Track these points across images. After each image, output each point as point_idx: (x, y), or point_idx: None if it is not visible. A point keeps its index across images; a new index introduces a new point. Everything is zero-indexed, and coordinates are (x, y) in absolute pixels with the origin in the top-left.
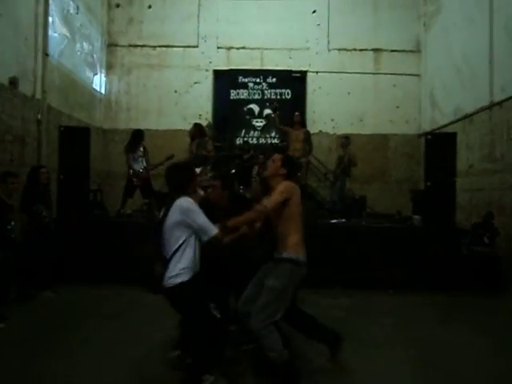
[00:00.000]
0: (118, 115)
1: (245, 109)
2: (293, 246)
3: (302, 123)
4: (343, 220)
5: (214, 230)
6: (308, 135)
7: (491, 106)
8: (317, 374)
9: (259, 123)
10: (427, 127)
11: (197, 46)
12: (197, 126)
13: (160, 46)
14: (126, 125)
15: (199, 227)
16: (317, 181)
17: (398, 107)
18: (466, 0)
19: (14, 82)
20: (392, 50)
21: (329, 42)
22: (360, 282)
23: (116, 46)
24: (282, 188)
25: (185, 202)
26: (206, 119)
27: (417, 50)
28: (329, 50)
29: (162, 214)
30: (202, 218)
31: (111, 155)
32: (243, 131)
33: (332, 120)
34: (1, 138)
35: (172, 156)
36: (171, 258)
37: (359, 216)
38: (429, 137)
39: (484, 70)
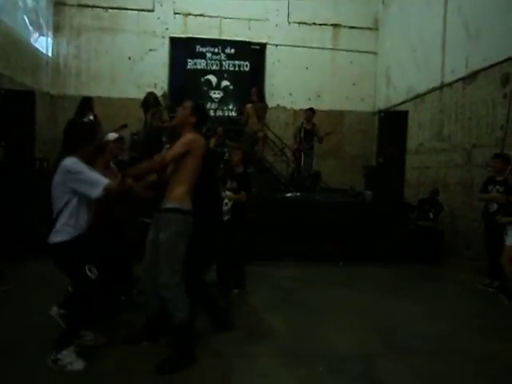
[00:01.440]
0: (66, 80)
1: (202, 79)
2: (178, 195)
3: (260, 98)
4: (298, 194)
5: (102, 184)
6: (265, 109)
7: (442, 87)
8: (263, 336)
9: (217, 95)
10: (382, 105)
11: (152, 11)
12: (151, 94)
13: (112, 8)
14: (76, 91)
15: (84, 185)
16: (274, 155)
17: (354, 84)
18: None
19: None
20: (351, 27)
21: (289, 15)
22: (312, 254)
23: (64, 4)
24: (185, 140)
25: (68, 163)
26: (162, 88)
27: (375, 28)
28: (289, 23)
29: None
30: (86, 175)
31: (59, 122)
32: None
33: (290, 94)
34: None
35: (125, 125)
36: (56, 217)
37: (313, 190)
38: (382, 114)
39: (437, 51)
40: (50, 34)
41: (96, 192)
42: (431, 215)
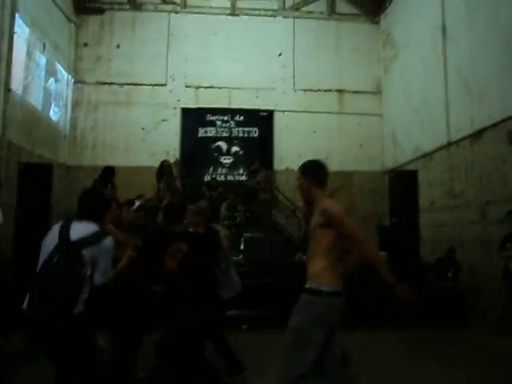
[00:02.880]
0: (83, 152)
1: (213, 146)
2: (317, 273)
3: (264, 165)
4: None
5: (108, 275)
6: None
7: (449, 145)
8: None
9: (227, 160)
10: (390, 164)
11: (165, 85)
12: (165, 162)
13: (128, 84)
14: (92, 161)
15: (101, 269)
16: (285, 217)
17: (361, 145)
18: (422, 47)
19: None
20: (354, 91)
21: (294, 83)
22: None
23: (83, 83)
24: (337, 208)
25: (110, 245)
26: (174, 156)
27: (378, 92)
28: (295, 91)
29: (60, 236)
30: (109, 263)
31: (76, 192)
32: (211, 168)
33: (299, 157)
34: None
35: (140, 196)
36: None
37: None
38: (392, 174)
39: (440, 111)
40: (69, 109)
41: (100, 280)
42: (450, 274)
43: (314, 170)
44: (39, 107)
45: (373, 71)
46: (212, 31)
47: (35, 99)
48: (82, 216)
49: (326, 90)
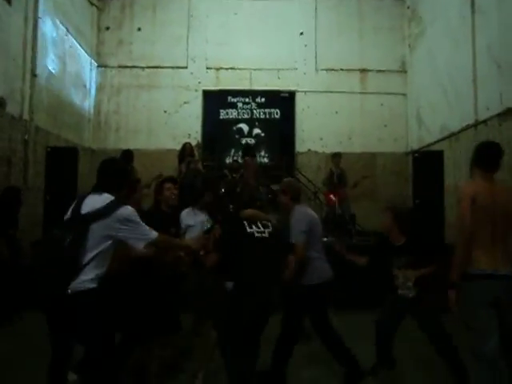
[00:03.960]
0: (106, 135)
1: (234, 128)
2: (473, 258)
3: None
4: (333, 238)
5: (151, 237)
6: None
7: (476, 125)
8: None
9: (249, 142)
10: (415, 145)
11: (186, 67)
12: (187, 145)
13: (149, 67)
14: (115, 145)
15: (135, 237)
16: (307, 199)
17: (385, 126)
18: (449, 23)
19: (1, 102)
20: (378, 71)
21: (316, 63)
22: (351, 301)
23: (106, 67)
24: (461, 190)
25: (126, 212)
26: (195, 138)
27: (402, 70)
28: (316, 71)
29: (80, 209)
30: (142, 228)
31: None
32: (232, 150)
33: (321, 139)
34: None
35: (160, 176)
36: (88, 262)
37: (349, 234)
38: (416, 155)
39: (468, 89)
40: (93, 93)
41: (139, 246)
42: None
43: (474, 154)
44: (64, 92)
45: (397, 49)
46: (232, 11)
47: (60, 84)
48: (99, 187)
49: (348, 70)
